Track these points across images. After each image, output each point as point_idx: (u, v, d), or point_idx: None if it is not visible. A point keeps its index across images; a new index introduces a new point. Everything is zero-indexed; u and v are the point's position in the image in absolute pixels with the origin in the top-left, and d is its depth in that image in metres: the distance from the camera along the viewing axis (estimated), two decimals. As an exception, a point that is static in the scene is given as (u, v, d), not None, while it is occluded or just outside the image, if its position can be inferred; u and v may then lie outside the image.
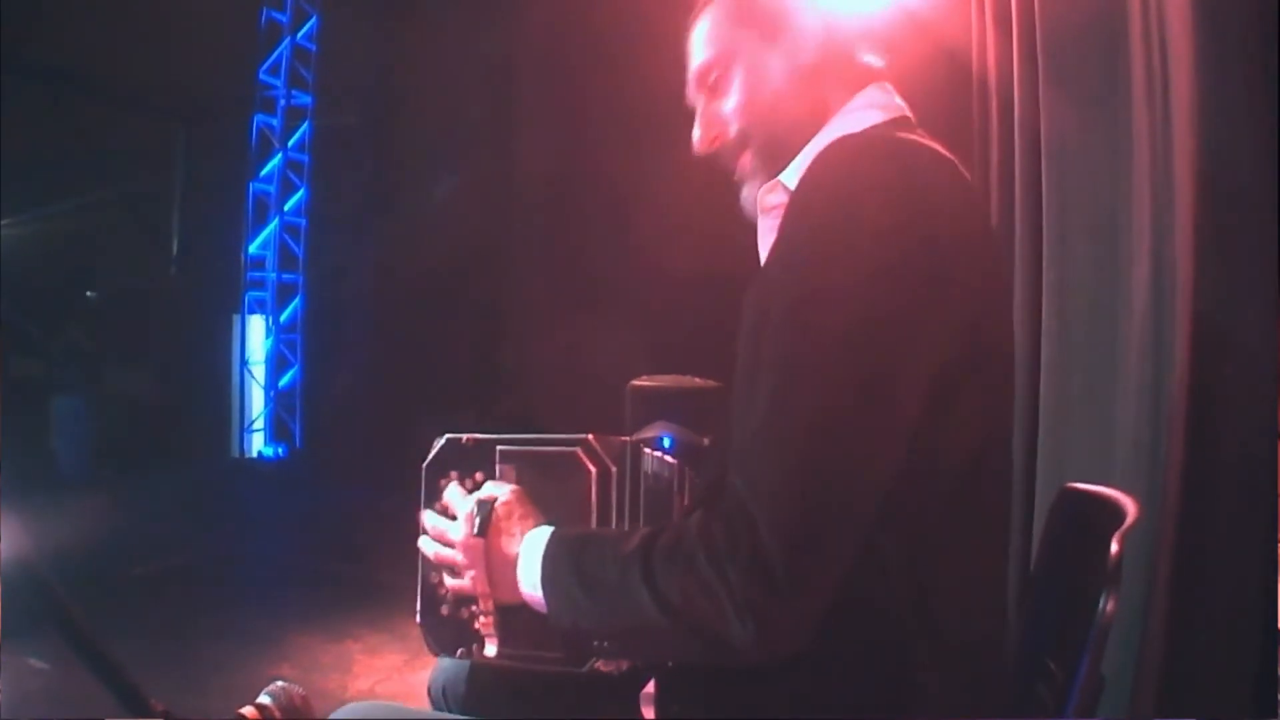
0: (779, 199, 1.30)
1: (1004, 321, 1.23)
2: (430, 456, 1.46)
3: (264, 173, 10.45)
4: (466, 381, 9.40)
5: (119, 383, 10.16)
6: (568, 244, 8.49)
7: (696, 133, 1.44)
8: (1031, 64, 2.57)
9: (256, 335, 10.56)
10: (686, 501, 1.71)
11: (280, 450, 10.43)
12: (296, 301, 10.67)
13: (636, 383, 7.29)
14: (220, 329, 10.56)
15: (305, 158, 10.65)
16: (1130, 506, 1.32)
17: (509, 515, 1.31)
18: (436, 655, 1.50)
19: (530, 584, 1.25)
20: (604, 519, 1.35)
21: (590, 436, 1.37)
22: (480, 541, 1.30)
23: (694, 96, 1.46)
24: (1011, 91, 2.71)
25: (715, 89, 1.41)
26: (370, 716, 1.48)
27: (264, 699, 1.08)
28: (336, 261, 10.25)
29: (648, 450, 1.60)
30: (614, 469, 1.36)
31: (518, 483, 1.38)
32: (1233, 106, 1.84)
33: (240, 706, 1.10)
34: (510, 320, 9.23)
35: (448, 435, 1.45)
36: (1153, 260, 2.01)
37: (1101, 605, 1.18)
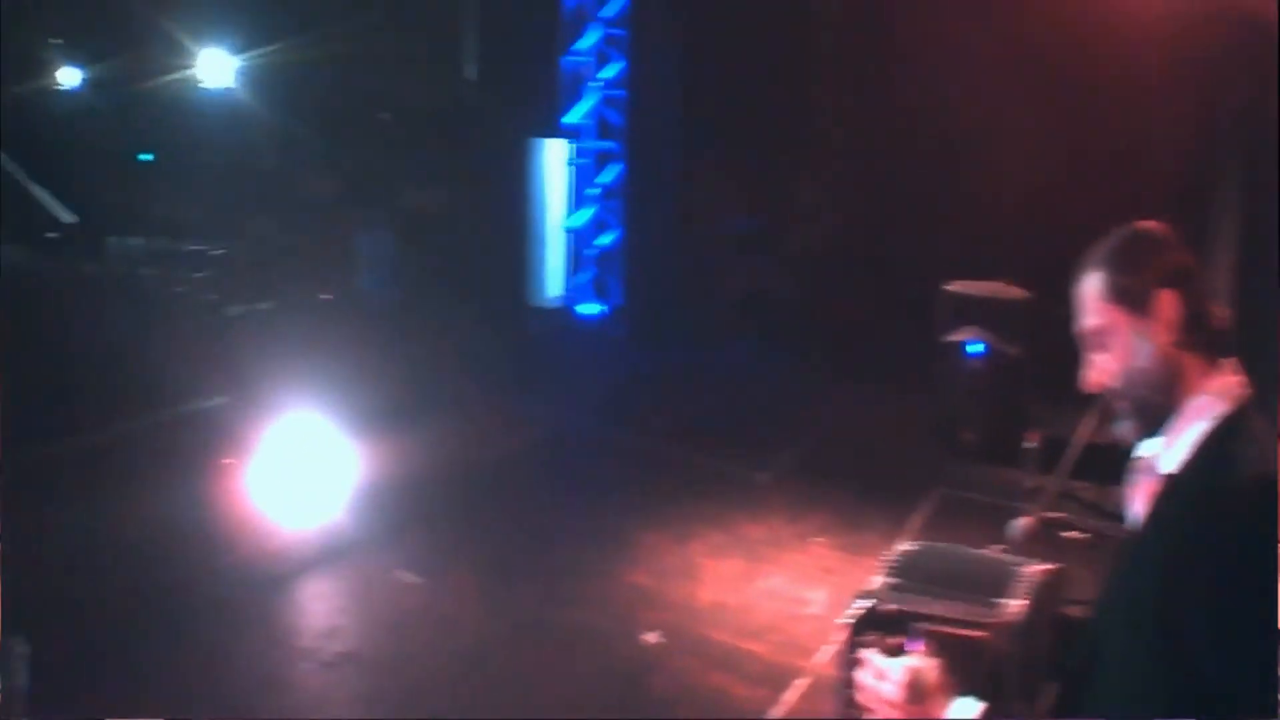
0: (1149, 470, 1.60)
1: None
2: (854, 620, 1.76)
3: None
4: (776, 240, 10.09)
5: (417, 207, 10.21)
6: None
7: (1087, 373, 1.69)
8: None
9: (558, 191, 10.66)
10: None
11: (603, 308, 10.93)
12: (617, 168, 11.00)
13: (949, 287, 7.36)
14: (521, 155, 10.40)
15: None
16: None
17: (937, 687, 1.59)
18: None
19: None
20: (1002, 692, 1.65)
21: (1006, 618, 1.60)
22: (916, 708, 1.58)
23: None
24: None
25: (1097, 346, 1.67)
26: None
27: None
28: (653, 125, 10.55)
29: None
30: (1014, 651, 1.65)
31: (933, 655, 1.62)
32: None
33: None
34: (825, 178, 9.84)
35: (874, 602, 1.75)
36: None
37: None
